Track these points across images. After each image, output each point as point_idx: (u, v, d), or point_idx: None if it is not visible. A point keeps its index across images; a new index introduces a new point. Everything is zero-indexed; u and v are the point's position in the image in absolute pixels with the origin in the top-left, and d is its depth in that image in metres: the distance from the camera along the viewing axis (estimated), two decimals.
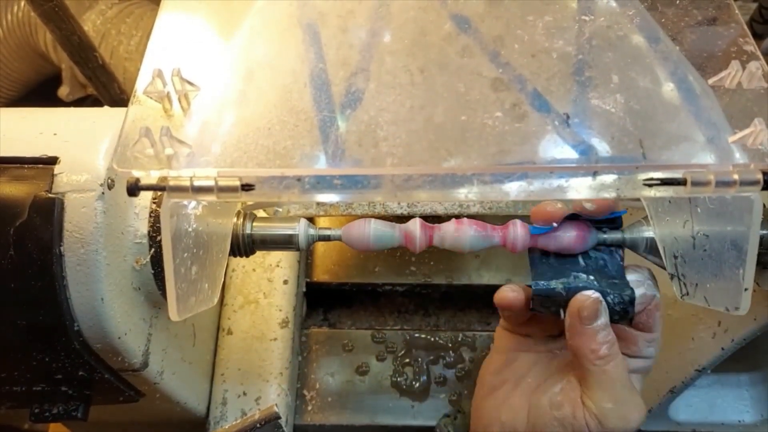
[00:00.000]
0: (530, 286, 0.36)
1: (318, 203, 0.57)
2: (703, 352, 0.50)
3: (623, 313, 0.34)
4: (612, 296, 0.34)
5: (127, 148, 0.30)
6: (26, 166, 0.36)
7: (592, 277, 0.35)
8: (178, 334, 0.48)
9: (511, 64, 0.34)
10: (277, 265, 0.62)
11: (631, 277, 0.36)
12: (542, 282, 0.35)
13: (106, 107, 0.42)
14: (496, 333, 0.42)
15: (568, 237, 0.37)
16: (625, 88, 0.33)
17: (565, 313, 0.35)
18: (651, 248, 0.38)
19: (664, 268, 0.38)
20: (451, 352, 0.64)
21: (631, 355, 0.37)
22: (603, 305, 0.34)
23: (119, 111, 0.39)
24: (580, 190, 0.32)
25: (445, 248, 0.38)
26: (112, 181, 0.36)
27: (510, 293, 0.37)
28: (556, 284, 0.35)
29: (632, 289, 0.34)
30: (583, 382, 0.35)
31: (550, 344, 0.40)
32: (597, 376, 0.34)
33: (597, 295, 0.34)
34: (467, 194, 0.32)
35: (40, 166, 0.36)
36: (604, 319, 0.34)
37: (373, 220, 0.38)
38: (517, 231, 0.37)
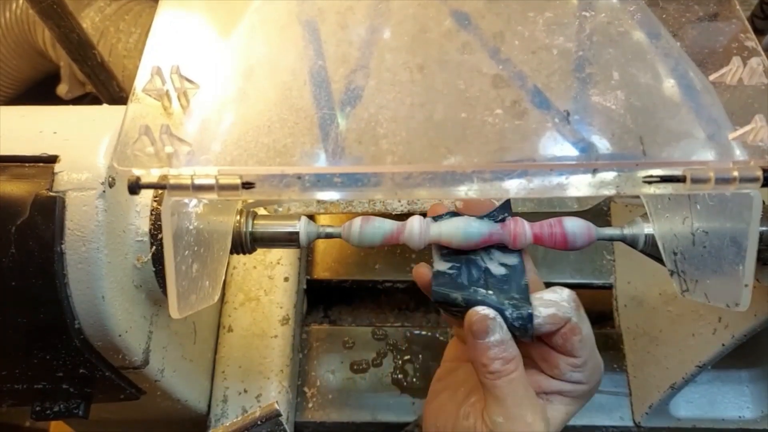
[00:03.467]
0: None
1: (318, 201, 0.57)
2: (704, 349, 0.50)
3: (523, 330, 0.34)
4: (510, 312, 0.34)
5: (127, 147, 0.30)
6: (27, 164, 0.36)
7: (491, 292, 0.35)
8: (178, 331, 0.48)
9: (511, 61, 0.34)
10: (278, 263, 0.62)
11: (547, 296, 0.36)
12: (441, 289, 0.35)
13: (105, 105, 0.42)
14: (449, 344, 0.43)
15: (567, 233, 0.37)
16: (626, 85, 0.33)
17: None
18: (650, 245, 0.38)
19: (664, 265, 0.38)
20: None
21: (555, 377, 0.36)
22: (498, 322, 0.34)
23: (119, 109, 0.39)
24: (580, 187, 0.32)
25: (447, 245, 0.38)
26: (113, 179, 0.36)
27: (423, 268, 0.37)
28: (457, 295, 0.35)
29: (530, 306, 0.34)
30: (484, 395, 0.35)
31: None
32: (490, 389, 0.34)
33: (488, 311, 0.34)
34: (467, 192, 0.32)
35: (41, 164, 0.36)
36: (498, 335, 0.34)
37: (373, 217, 0.38)
38: (518, 227, 0.37)
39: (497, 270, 0.36)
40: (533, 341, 0.36)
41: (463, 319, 0.35)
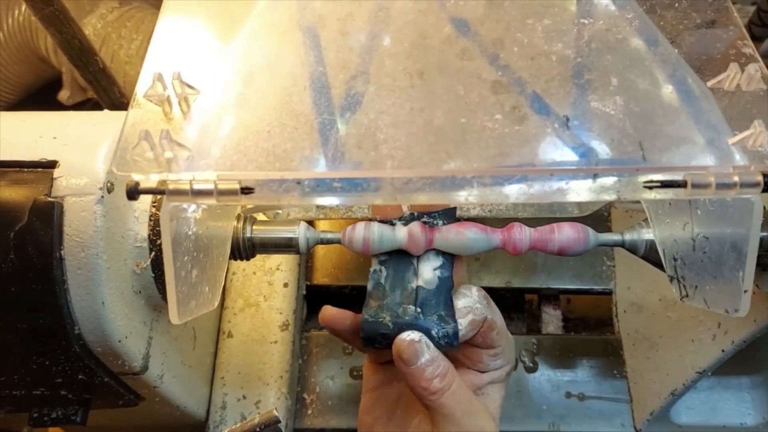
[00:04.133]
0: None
1: (318, 206, 0.57)
2: (704, 355, 0.50)
3: (449, 345, 0.35)
4: (436, 330, 0.34)
5: (126, 152, 0.30)
6: (26, 170, 0.36)
7: (419, 310, 0.35)
8: (178, 337, 0.48)
9: (510, 67, 0.34)
10: (278, 268, 0.62)
11: (460, 303, 0.36)
12: (370, 317, 0.35)
13: (106, 111, 0.42)
14: (363, 370, 0.42)
15: (567, 239, 0.37)
16: (625, 91, 0.33)
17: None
18: (651, 250, 0.38)
19: (664, 270, 0.38)
20: None
21: (482, 370, 0.37)
22: (424, 343, 0.34)
23: (118, 115, 0.39)
24: (581, 192, 0.32)
25: (445, 251, 0.38)
26: (112, 184, 0.36)
27: (331, 310, 0.38)
28: (384, 318, 0.35)
29: (455, 323, 0.35)
30: (430, 415, 0.35)
31: None
32: (437, 409, 0.34)
33: (413, 336, 0.34)
34: (467, 197, 0.32)
35: (40, 170, 0.36)
36: (428, 355, 0.34)
37: (373, 222, 0.38)
38: (518, 233, 0.37)
39: (428, 281, 0.37)
40: (458, 350, 0.36)
41: (389, 347, 0.35)
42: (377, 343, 0.35)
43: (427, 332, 0.34)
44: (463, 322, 0.35)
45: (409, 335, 0.34)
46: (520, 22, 0.36)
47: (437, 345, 0.34)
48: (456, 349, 0.35)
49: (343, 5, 0.38)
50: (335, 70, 0.35)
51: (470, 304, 0.36)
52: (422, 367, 0.34)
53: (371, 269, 0.38)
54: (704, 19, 0.37)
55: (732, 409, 0.59)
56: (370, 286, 0.37)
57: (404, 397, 0.39)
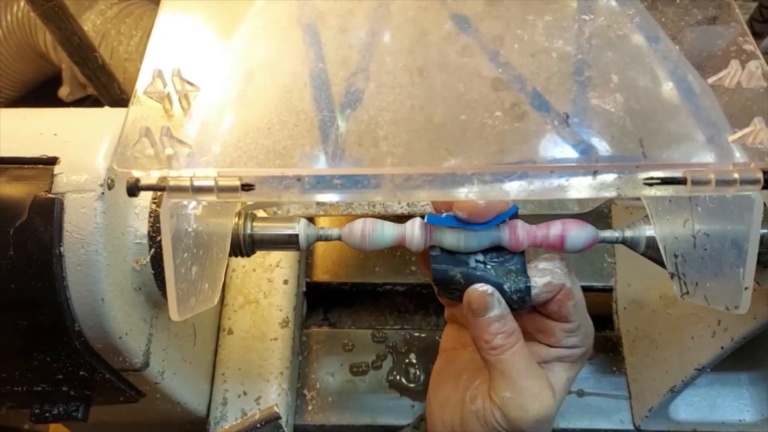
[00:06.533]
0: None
1: (318, 203, 0.57)
2: (703, 351, 0.50)
3: (521, 302, 0.35)
4: (508, 285, 0.35)
5: (127, 149, 0.30)
6: (26, 166, 0.36)
7: (489, 267, 0.35)
8: (178, 334, 0.48)
9: (510, 64, 0.34)
10: (278, 265, 0.62)
11: (541, 265, 0.36)
12: (440, 266, 0.35)
13: (106, 107, 0.42)
14: (444, 330, 0.43)
15: (567, 235, 0.37)
16: (625, 88, 0.33)
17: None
18: (651, 247, 0.38)
19: (665, 267, 0.38)
20: None
21: (552, 345, 0.37)
22: (496, 297, 0.34)
23: (119, 111, 0.39)
24: (581, 189, 0.32)
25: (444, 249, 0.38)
26: (112, 181, 0.36)
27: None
28: (455, 272, 0.35)
29: (527, 278, 0.35)
30: (489, 373, 0.35)
31: None
32: (495, 365, 0.34)
33: (486, 288, 0.34)
34: (467, 194, 0.32)
35: (40, 166, 0.36)
36: (497, 310, 0.34)
37: (372, 219, 0.38)
38: (519, 230, 0.37)
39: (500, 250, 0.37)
40: (530, 312, 0.36)
41: (461, 299, 0.35)
42: (449, 293, 0.36)
43: (498, 287, 0.34)
44: (539, 281, 0.35)
45: (482, 286, 0.34)
46: (520, 19, 0.36)
47: (509, 301, 0.35)
48: (528, 309, 0.35)
49: (343, 2, 0.38)
50: (335, 67, 0.35)
51: (550, 267, 0.36)
52: (489, 321, 0.34)
53: (431, 246, 0.37)
54: (706, 15, 0.36)
55: (730, 406, 0.59)
56: (434, 252, 0.36)
57: (473, 362, 0.39)
